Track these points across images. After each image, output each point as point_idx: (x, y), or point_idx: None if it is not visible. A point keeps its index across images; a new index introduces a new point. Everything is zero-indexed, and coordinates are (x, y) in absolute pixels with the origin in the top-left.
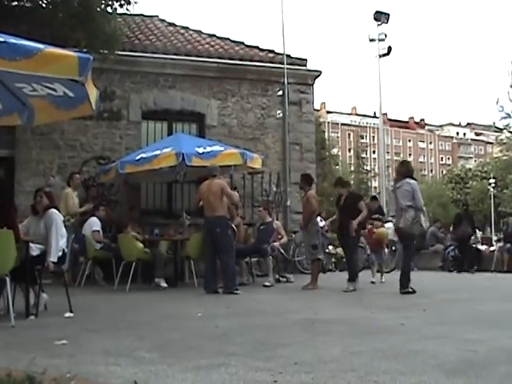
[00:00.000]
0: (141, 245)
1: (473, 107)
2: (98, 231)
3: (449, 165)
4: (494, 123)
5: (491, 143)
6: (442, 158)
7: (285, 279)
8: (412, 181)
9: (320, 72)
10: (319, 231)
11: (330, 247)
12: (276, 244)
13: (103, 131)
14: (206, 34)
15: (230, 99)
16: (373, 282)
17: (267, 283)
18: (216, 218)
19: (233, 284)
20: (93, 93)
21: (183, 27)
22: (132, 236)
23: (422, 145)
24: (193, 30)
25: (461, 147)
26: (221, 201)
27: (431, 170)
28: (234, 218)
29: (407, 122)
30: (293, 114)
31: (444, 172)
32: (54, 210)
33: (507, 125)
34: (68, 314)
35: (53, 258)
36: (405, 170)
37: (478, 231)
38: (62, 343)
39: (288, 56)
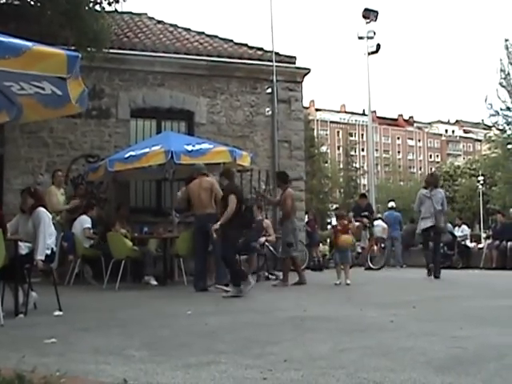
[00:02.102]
0: (130, 243)
1: (461, 104)
2: (89, 228)
3: (438, 162)
4: (482, 120)
5: (480, 140)
6: (430, 156)
7: (274, 277)
8: (442, 190)
9: (309, 70)
10: (296, 229)
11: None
12: (262, 239)
13: (92, 129)
14: (195, 31)
15: (218, 97)
16: (336, 284)
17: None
18: (207, 215)
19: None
20: (77, 89)
21: (172, 25)
22: (121, 234)
23: (410, 142)
24: (182, 28)
25: (449, 144)
26: (211, 198)
27: (420, 168)
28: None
29: (396, 120)
30: (282, 112)
31: (433, 169)
32: (42, 209)
33: (496, 122)
34: (57, 313)
35: (40, 255)
36: (434, 181)
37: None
38: (52, 342)
39: (277, 54)
